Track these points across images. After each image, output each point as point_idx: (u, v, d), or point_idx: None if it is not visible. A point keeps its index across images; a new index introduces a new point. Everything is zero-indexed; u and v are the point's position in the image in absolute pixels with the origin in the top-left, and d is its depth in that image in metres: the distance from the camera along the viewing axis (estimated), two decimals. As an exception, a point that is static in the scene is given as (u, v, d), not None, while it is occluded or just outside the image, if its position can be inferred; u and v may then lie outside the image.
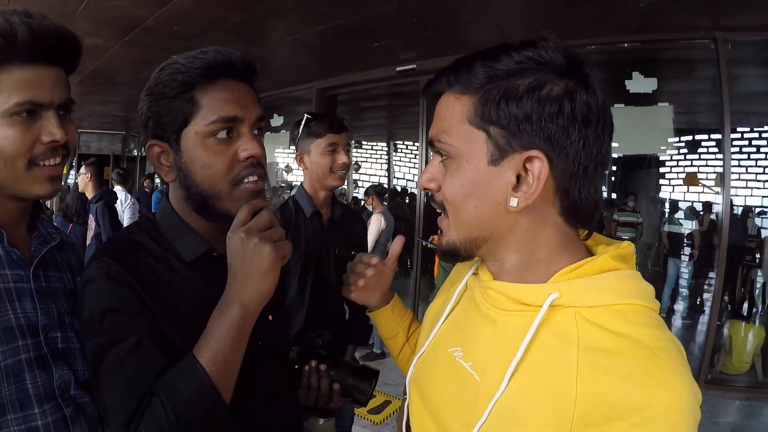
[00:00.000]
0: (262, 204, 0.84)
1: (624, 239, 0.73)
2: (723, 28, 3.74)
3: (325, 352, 1.16)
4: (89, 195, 4.45)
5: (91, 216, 4.30)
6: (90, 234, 4.28)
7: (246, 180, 0.85)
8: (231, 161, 0.83)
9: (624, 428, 0.51)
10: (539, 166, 0.61)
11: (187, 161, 0.84)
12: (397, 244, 1.03)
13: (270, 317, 0.95)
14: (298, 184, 1.96)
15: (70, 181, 6.64)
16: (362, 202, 6.48)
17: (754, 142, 5.14)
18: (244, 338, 0.79)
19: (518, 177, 0.62)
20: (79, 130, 10.69)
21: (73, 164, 10.81)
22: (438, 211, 0.73)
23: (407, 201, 7.44)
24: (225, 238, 0.81)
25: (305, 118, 1.86)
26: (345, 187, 7.19)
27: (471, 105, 0.63)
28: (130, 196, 5.72)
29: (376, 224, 4.74)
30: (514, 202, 0.62)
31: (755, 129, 5.08)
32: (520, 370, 0.61)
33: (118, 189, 5.49)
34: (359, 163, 7.09)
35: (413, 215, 5.79)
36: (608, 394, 0.53)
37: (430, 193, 0.72)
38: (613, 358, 0.55)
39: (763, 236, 5.30)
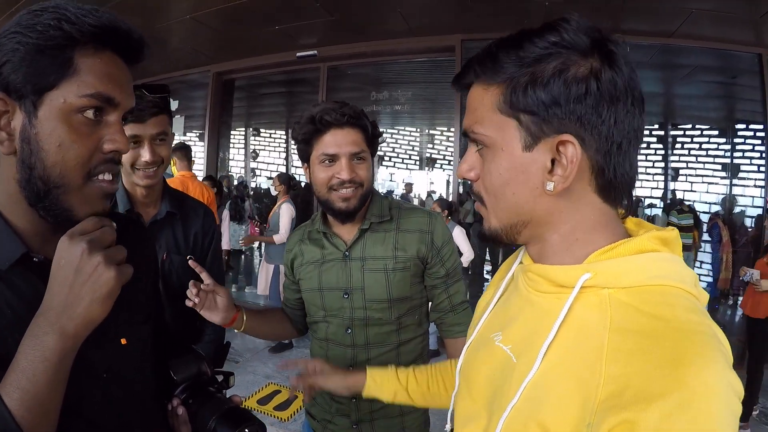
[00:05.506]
0: (109, 225, 0.71)
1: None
2: (623, 31, 3.93)
3: (211, 384, 0.93)
4: None
5: None
6: None
7: (101, 176, 0.71)
8: (92, 149, 0.69)
9: (656, 418, 0.48)
10: (571, 150, 0.61)
11: (40, 133, 0.66)
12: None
13: (123, 341, 0.82)
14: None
15: None
16: (271, 188, 6.24)
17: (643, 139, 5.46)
18: (64, 374, 0.66)
19: (553, 160, 0.62)
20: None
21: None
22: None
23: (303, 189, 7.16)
24: (56, 240, 0.67)
25: None
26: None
27: (499, 94, 0.63)
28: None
29: (288, 214, 4.84)
30: (550, 185, 0.62)
31: (645, 126, 5.38)
32: (551, 351, 0.62)
33: None
34: (257, 151, 6.72)
35: (310, 206, 5.88)
36: (635, 378, 0.52)
37: (469, 183, 0.72)
38: (643, 339, 0.54)
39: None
